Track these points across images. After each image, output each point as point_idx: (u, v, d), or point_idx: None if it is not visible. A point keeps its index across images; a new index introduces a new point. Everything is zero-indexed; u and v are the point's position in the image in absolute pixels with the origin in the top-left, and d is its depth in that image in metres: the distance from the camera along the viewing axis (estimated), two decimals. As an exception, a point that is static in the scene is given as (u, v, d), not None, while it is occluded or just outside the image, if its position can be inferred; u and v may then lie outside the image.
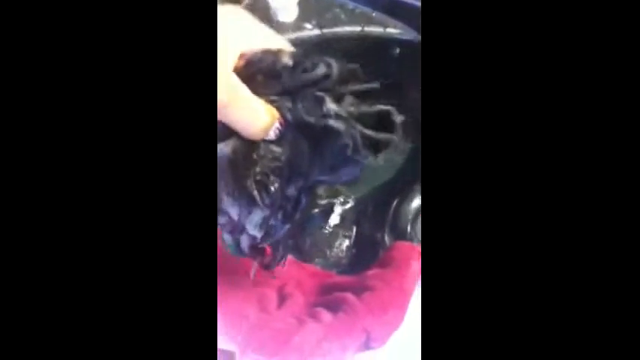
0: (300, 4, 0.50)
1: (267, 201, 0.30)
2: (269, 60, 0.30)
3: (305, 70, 0.29)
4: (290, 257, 0.56)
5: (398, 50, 0.55)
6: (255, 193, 0.30)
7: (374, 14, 0.52)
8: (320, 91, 0.29)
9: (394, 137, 0.30)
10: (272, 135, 0.29)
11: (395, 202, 0.56)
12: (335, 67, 0.30)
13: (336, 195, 0.36)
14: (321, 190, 0.35)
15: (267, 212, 0.31)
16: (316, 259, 0.60)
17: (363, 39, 0.51)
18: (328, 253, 0.61)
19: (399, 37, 0.53)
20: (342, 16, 0.52)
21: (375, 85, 0.32)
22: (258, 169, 0.29)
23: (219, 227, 0.34)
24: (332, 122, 0.29)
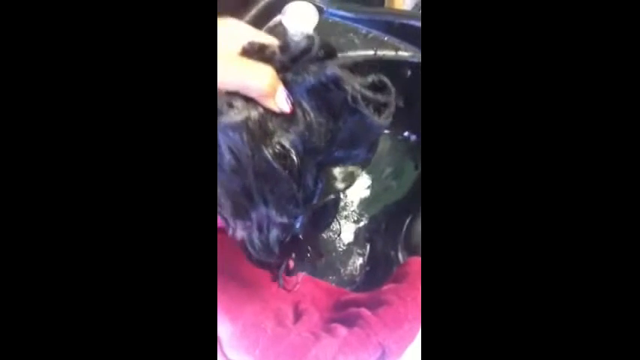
0: (316, 29, 0.52)
1: (287, 171, 0.30)
2: (256, 47, 0.30)
3: (293, 47, 0.30)
4: (304, 274, 0.57)
5: (409, 72, 0.57)
6: (276, 163, 0.29)
7: (386, 38, 0.54)
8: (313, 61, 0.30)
9: (391, 99, 0.31)
10: (282, 101, 0.29)
11: (408, 219, 0.57)
12: (316, 40, 0.31)
13: (351, 178, 0.35)
14: (336, 173, 0.35)
15: (291, 185, 0.31)
16: (330, 277, 0.61)
17: (376, 62, 0.54)
18: (342, 270, 0.62)
19: (409, 59, 0.55)
20: (356, 41, 0.54)
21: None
22: (275, 140, 0.30)
23: (243, 234, 0.35)
24: (333, 72, 0.29)
